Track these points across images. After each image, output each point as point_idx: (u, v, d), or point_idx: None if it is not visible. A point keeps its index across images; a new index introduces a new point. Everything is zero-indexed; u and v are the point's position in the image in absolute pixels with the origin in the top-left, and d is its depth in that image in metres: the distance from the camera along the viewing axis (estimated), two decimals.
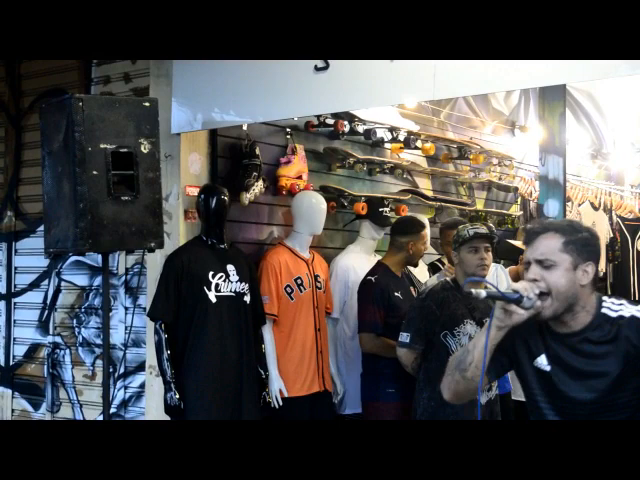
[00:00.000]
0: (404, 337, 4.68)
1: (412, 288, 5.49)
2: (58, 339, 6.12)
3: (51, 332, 6.15)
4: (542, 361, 2.87)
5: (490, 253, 4.70)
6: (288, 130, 5.90)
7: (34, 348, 6.30)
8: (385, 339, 5.16)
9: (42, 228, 4.36)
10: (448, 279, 4.87)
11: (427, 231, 5.57)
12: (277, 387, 5.17)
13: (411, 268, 6.24)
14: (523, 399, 3.08)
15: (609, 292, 8.01)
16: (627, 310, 2.80)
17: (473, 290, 2.74)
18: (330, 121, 6.10)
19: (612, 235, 7.91)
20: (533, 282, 2.77)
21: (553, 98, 4.20)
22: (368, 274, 5.35)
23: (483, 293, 2.71)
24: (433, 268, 6.53)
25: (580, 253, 2.79)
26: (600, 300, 2.85)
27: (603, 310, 2.82)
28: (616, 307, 2.83)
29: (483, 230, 4.74)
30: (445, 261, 6.66)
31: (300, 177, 5.85)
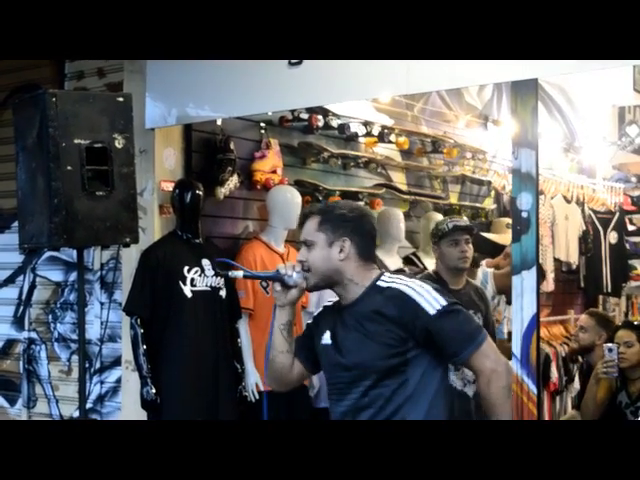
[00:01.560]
0: None
1: None
2: (34, 335, 6.10)
3: (26, 328, 6.14)
4: (326, 337, 3.05)
5: (470, 245, 4.74)
6: (262, 125, 5.90)
7: (9, 344, 6.28)
8: None
9: (16, 224, 4.35)
10: (431, 272, 4.90)
11: None
12: (253, 381, 5.19)
13: (386, 261, 6.29)
14: None
15: (582, 284, 8.07)
16: (398, 283, 2.93)
17: (230, 272, 3.05)
18: (304, 116, 6.10)
19: (585, 228, 7.97)
20: (299, 262, 2.99)
21: (525, 92, 4.23)
22: None
23: (240, 274, 3.03)
24: (407, 262, 6.56)
25: (335, 230, 2.96)
26: (380, 275, 2.99)
27: (378, 282, 2.97)
28: (389, 280, 2.97)
29: (462, 222, 4.78)
30: (420, 255, 6.72)
31: (275, 172, 5.86)
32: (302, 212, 3.14)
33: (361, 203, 6.14)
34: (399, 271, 5.71)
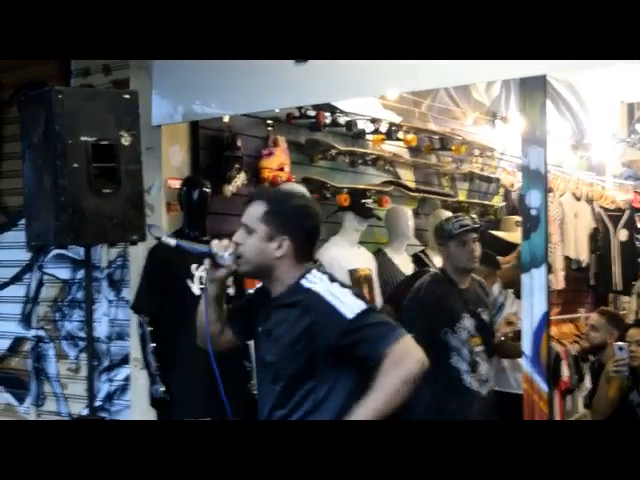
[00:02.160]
0: None
1: None
2: (41, 333, 6.10)
3: (34, 326, 6.13)
4: (259, 323, 3.00)
5: (478, 243, 4.71)
6: (269, 122, 5.89)
7: (17, 342, 6.29)
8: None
9: (23, 221, 4.34)
10: (438, 271, 4.87)
11: None
12: None
13: (395, 259, 6.28)
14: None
15: (592, 282, 8.04)
16: (319, 286, 2.84)
17: (163, 237, 3.02)
18: (311, 113, 6.09)
19: (594, 226, 7.94)
20: (234, 244, 2.89)
21: (534, 89, 4.20)
22: None
23: (173, 241, 2.97)
24: (416, 260, 6.54)
25: (279, 226, 2.85)
26: (307, 272, 2.89)
27: (302, 281, 2.87)
28: (312, 280, 2.86)
29: (469, 222, 4.75)
30: (429, 252, 6.69)
31: (282, 169, 5.84)
32: (249, 193, 3.06)
33: (369, 201, 6.11)
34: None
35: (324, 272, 2.94)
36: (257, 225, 2.87)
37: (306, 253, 2.94)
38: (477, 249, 4.69)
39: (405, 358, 2.73)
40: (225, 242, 2.90)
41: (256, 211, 2.89)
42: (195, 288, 4.86)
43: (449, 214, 6.72)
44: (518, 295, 5.00)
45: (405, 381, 2.71)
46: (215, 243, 2.90)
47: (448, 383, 4.58)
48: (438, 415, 4.56)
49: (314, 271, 2.91)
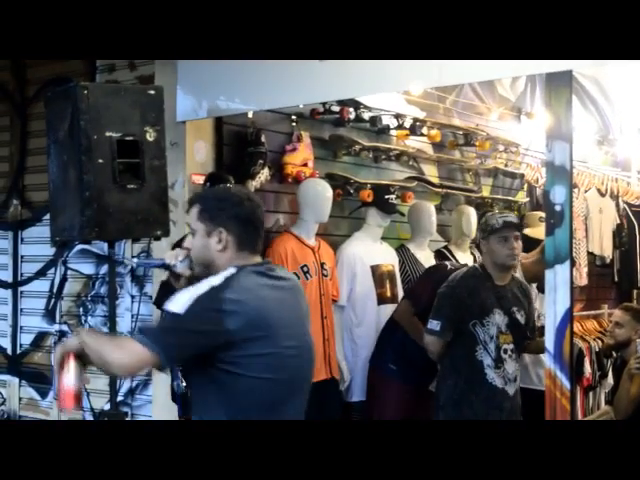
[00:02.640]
0: (434, 325, 4.67)
1: None
2: (65, 327, 6.13)
3: (58, 320, 6.17)
4: None
5: (519, 242, 4.70)
6: (293, 117, 5.89)
7: (41, 336, 6.32)
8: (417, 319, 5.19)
9: (48, 217, 4.36)
10: (477, 266, 4.87)
11: None
12: None
13: (417, 255, 6.26)
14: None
15: (616, 278, 8.00)
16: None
17: (126, 259, 3.08)
18: (335, 108, 6.09)
19: (619, 221, 7.89)
20: (186, 250, 3.03)
21: (559, 84, 4.18)
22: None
23: (134, 261, 3.05)
24: (439, 255, 6.52)
25: (212, 220, 2.93)
26: (241, 267, 2.89)
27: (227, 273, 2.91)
28: (212, 278, 2.87)
29: (513, 219, 4.74)
30: (452, 248, 6.68)
31: (306, 164, 5.84)
32: (189, 199, 3.18)
33: (392, 197, 6.10)
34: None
35: (252, 271, 2.91)
36: (196, 225, 2.97)
37: (250, 241, 2.96)
38: (518, 247, 4.68)
39: (122, 348, 2.82)
40: (176, 251, 3.06)
41: (193, 213, 3.00)
42: None
43: (473, 210, 6.73)
44: (541, 290, 4.98)
45: (101, 356, 2.82)
46: (168, 254, 3.07)
47: (470, 375, 4.59)
48: (457, 406, 4.59)
49: (249, 268, 2.91)
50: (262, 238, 3.03)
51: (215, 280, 2.83)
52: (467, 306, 4.61)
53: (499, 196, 7.90)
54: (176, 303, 2.78)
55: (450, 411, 4.63)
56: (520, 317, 4.75)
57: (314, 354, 3.06)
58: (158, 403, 5.37)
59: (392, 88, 5.16)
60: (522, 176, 8.05)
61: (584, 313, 7.42)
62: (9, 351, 6.49)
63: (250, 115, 5.47)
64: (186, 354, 2.81)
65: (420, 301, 5.20)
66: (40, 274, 6.34)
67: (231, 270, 2.86)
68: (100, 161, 3.91)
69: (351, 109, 6.17)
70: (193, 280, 2.97)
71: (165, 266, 3.05)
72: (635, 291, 8.18)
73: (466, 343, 4.58)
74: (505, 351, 4.65)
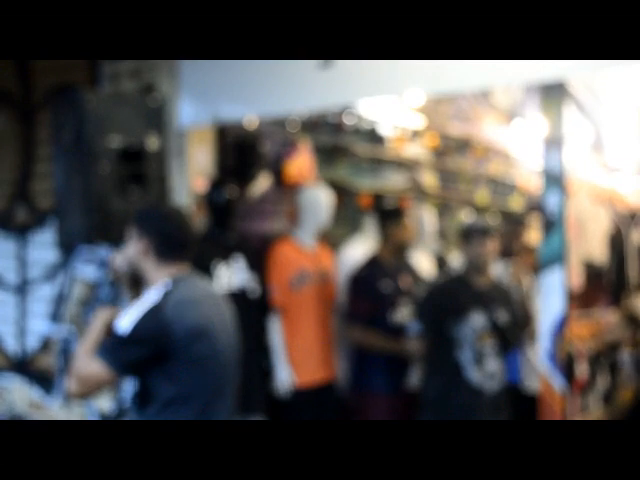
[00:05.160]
0: (415, 327, 4.81)
1: (405, 275, 5.50)
2: (71, 331, 6.19)
3: (64, 324, 6.22)
4: None
5: (490, 244, 4.81)
6: (293, 125, 5.95)
7: (47, 340, 6.39)
8: (372, 331, 5.23)
9: (54, 222, 4.43)
10: (459, 273, 4.97)
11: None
12: (283, 378, 5.23)
13: (415, 262, 6.32)
14: None
15: (608, 283, 8.04)
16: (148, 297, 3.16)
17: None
18: (335, 116, 6.15)
19: (611, 227, 7.95)
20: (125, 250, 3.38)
21: (553, 92, 4.25)
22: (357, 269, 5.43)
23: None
24: (436, 262, 6.58)
25: (141, 226, 3.28)
26: (167, 281, 3.19)
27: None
28: (152, 292, 3.18)
29: (484, 224, 4.86)
30: (449, 256, 6.74)
31: (306, 171, 5.91)
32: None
33: (391, 203, 6.17)
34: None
35: (185, 281, 3.24)
36: (132, 229, 3.30)
37: (168, 254, 3.24)
38: (488, 250, 4.80)
39: (85, 368, 3.17)
40: (120, 252, 3.44)
41: (133, 221, 3.33)
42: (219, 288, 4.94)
43: (469, 216, 6.80)
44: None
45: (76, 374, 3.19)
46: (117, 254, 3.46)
47: (451, 376, 4.69)
48: (440, 405, 4.67)
49: (169, 279, 3.20)
50: (189, 250, 3.31)
51: (154, 296, 3.14)
52: (444, 308, 4.73)
53: (495, 203, 7.98)
54: (124, 321, 3.12)
55: (433, 410, 4.72)
56: (501, 316, 4.85)
57: (237, 357, 3.47)
58: None
59: (390, 92, 5.20)
60: (517, 183, 8.13)
61: (577, 316, 7.47)
62: (16, 354, 6.55)
63: (251, 122, 5.53)
64: (134, 364, 3.13)
65: (361, 315, 5.27)
66: (46, 278, 6.40)
67: (167, 284, 3.17)
68: (104, 168, 4.00)
69: (350, 117, 6.23)
70: (133, 277, 3.40)
71: (104, 262, 3.53)
72: (628, 295, 8.24)
73: (446, 344, 4.69)
74: (486, 351, 4.74)
